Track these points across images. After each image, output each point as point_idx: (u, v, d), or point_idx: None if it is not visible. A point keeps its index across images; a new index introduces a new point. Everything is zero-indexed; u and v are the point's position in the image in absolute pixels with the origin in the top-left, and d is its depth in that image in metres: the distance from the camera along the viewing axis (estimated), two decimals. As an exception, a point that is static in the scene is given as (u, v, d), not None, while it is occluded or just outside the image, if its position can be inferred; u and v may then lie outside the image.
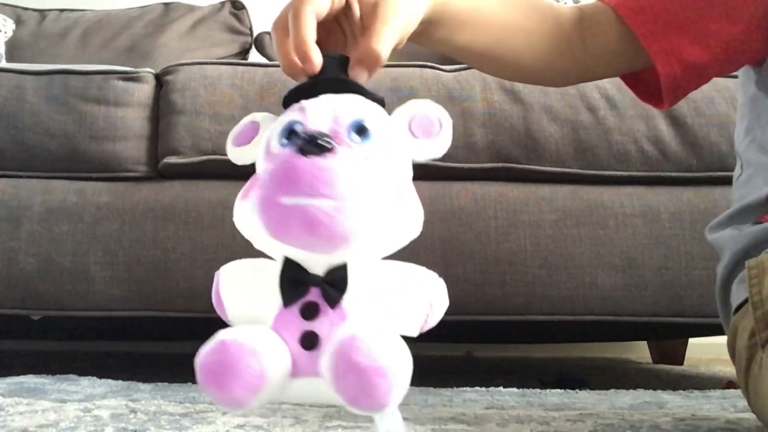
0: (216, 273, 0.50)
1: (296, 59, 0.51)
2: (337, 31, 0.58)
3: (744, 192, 0.75)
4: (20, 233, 1.15)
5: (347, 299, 0.46)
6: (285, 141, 0.47)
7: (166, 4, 2.02)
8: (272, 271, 0.47)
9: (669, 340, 1.91)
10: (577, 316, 1.15)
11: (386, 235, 0.46)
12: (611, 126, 1.18)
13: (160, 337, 1.81)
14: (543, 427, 0.73)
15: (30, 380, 1.04)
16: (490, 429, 0.72)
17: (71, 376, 1.09)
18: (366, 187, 0.44)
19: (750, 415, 0.75)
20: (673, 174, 1.19)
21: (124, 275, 1.14)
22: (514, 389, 1.07)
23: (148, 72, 1.24)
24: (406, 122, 0.50)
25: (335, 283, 0.46)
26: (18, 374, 1.08)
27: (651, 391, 1.10)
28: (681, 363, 1.88)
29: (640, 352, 2.11)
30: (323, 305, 0.45)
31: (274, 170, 0.45)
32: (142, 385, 1.04)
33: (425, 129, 0.50)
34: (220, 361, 0.43)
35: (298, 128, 0.47)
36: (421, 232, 0.48)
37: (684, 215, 1.17)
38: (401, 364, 0.42)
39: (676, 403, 0.96)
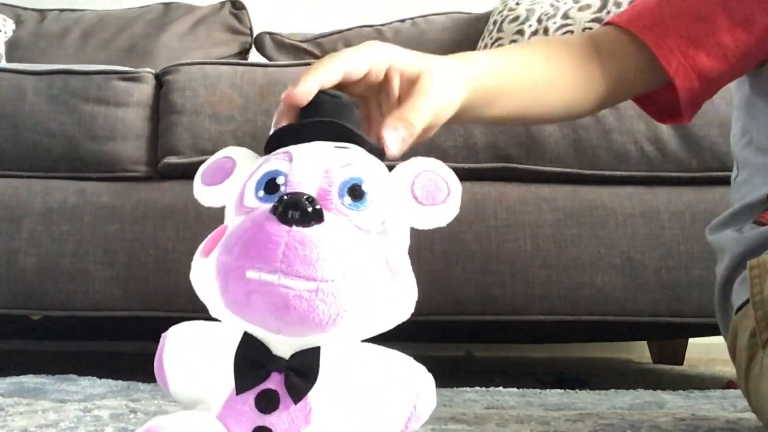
0: (163, 334, 0.43)
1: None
2: (373, 105, 0.55)
3: (743, 193, 0.75)
4: (20, 233, 1.15)
5: (315, 391, 0.38)
6: (263, 194, 0.40)
7: (166, 4, 2.02)
8: (230, 343, 0.40)
9: (669, 340, 1.91)
10: (577, 316, 1.15)
11: (371, 321, 0.39)
12: (611, 126, 1.18)
13: (159, 337, 1.80)
14: (543, 427, 0.73)
15: (30, 380, 1.04)
16: (490, 429, 0.72)
17: (71, 376, 1.09)
18: (354, 267, 0.36)
19: (750, 415, 0.75)
20: (673, 174, 1.19)
21: (124, 275, 1.14)
22: (514, 389, 1.07)
23: (148, 72, 1.24)
24: (409, 183, 0.43)
25: (302, 370, 0.38)
26: (18, 374, 1.08)
27: (651, 391, 1.10)
28: (681, 363, 1.88)
29: (640, 352, 2.11)
30: (284, 396, 0.38)
31: (243, 232, 0.37)
32: (142, 385, 1.04)
33: (430, 194, 0.43)
34: None
35: (281, 181, 0.40)
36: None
37: (684, 215, 1.17)
38: None
39: (676, 403, 0.95)
